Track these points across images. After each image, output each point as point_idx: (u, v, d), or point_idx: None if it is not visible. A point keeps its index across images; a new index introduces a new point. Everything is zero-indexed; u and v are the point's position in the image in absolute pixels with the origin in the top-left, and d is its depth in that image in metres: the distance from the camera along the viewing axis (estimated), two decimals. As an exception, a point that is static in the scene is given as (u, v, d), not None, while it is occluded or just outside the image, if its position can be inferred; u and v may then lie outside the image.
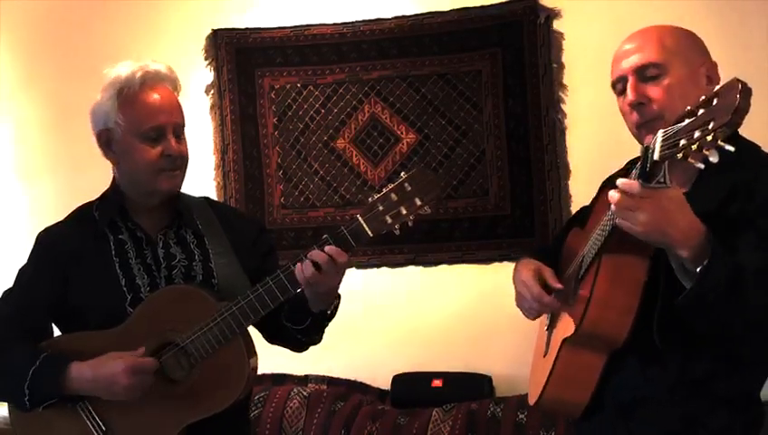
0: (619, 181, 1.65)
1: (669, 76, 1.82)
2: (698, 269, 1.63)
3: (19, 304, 2.20)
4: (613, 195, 1.65)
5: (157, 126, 2.11)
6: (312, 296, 2.08)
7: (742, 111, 1.43)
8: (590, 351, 1.85)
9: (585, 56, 3.28)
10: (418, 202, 1.98)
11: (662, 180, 1.60)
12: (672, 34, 1.87)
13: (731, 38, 3.02)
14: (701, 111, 1.50)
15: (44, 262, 2.22)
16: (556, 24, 3.33)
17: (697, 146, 1.48)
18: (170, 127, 2.13)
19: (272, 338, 2.31)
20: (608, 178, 2.09)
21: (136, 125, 2.12)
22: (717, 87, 1.50)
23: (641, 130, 1.86)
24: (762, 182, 1.76)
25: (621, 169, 2.06)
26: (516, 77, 3.38)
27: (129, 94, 2.12)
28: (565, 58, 3.33)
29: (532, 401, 2.05)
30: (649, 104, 1.83)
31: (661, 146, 1.56)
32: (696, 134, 1.48)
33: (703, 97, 1.52)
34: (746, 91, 1.44)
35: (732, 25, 3.07)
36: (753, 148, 1.87)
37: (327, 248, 2.00)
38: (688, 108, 1.54)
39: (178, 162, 2.15)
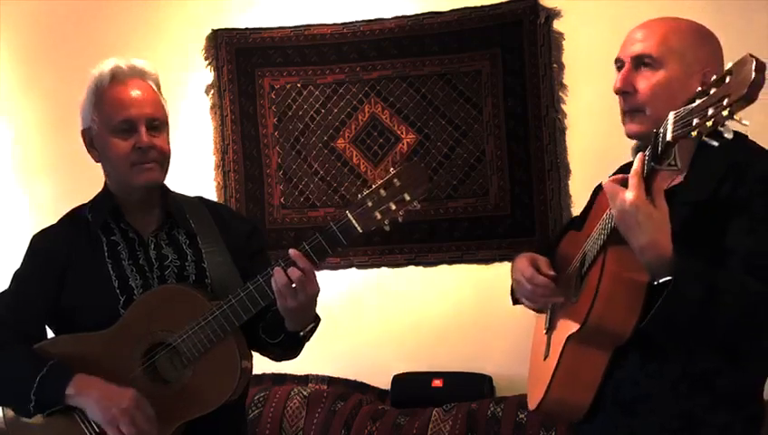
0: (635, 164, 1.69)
1: (661, 72, 1.83)
2: (655, 283, 1.68)
3: (14, 307, 2.20)
4: (605, 181, 1.71)
5: (126, 119, 2.11)
6: (284, 313, 2.05)
7: (757, 84, 1.44)
8: (595, 347, 1.85)
9: (585, 56, 3.28)
10: (407, 197, 1.98)
11: (673, 163, 1.61)
12: (681, 33, 1.87)
13: (731, 38, 2.99)
14: (713, 90, 1.51)
15: (38, 264, 2.22)
16: (556, 24, 3.33)
17: (712, 123, 1.49)
18: (141, 120, 2.11)
19: (250, 345, 2.26)
20: (600, 184, 2.10)
21: (107, 120, 2.13)
22: (729, 65, 1.50)
23: (625, 116, 1.89)
24: (753, 166, 1.78)
25: (615, 173, 2.06)
26: (516, 77, 3.38)
27: (100, 91, 2.14)
28: (565, 58, 3.33)
29: (532, 405, 2.03)
30: (634, 94, 1.86)
31: (673, 126, 1.58)
32: (710, 111, 1.49)
33: (714, 77, 1.52)
34: (760, 66, 1.45)
35: (733, 26, 3.05)
36: (741, 135, 1.87)
37: (292, 253, 1.99)
38: (699, 88, 1.55)
39: (152, 155, 2.13)
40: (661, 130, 1.61)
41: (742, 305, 1.67)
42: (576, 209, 3.27)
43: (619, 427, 1.86)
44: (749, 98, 1.44)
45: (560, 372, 1.89)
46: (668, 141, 1.59)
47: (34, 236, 2.27)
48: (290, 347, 2.19)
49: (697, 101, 1.53)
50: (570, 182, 3.34)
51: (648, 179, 1.66)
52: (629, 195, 1.65)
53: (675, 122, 1.57)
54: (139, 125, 2.11)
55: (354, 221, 1.99)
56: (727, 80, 1.49)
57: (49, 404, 2.08)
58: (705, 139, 1.52)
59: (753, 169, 1.78)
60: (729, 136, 1.49)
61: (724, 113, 1.46)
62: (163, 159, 2.16)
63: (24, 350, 2.14)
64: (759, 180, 1.76)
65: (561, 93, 3.33)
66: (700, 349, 1.78)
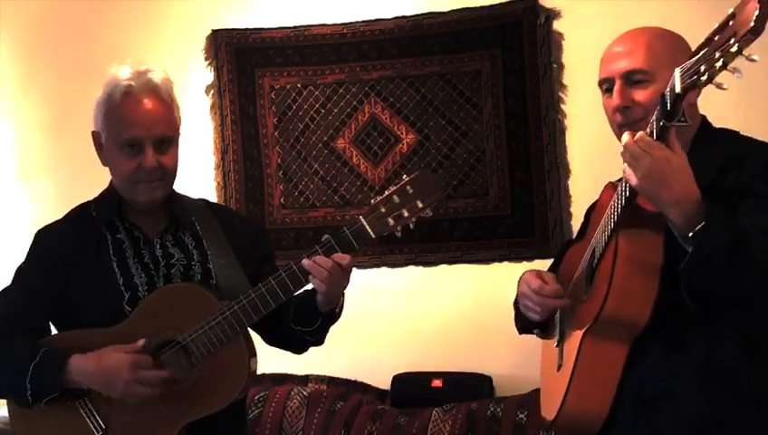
0: (638, 134, 1.70)
1: (656, 82, 1.84)
2: (690, 235, 1.67)
3: (17, 303, 2.20)
4: (626, 137, 1.70)
5: (132, 138, 2.11)
6: (322, 298, 2.09)
7: (764, 15, 1.45)
8: (613, 340, 1.84)
9: (585, 56, 3.27)
10: (420, 204, 2.01)
11: (683, 119, 1.63)
12: (661, 39, 1.89)
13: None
14: (717, 37, 1.53)
15: (42, 260, 2.22)
16: (556, 24, 3.33)
17: (722, 63, 1.51)
18: (148, 141, 2.10)
19: (272, 341, 2.31)
20: (593, 205, 2.12)
21: (115, 135, 2.13)
22: (731, 9, 1.52)
23: (622, 129, 1.87)
24: (752, 154, 1.81)
25: (603, 191, 2.07)
26: (516, 77, 3.38)
27: (112, 103, 2.13)
28: (565, 58, 3.33)
29: (550, 416, 2.01)
30: (634, 107, 1.87)
31: (681, 79, 1.59)
32: (718, 54, 1.51)
33: (716, 25, 1.54)
34: (764, 0, 1.46)
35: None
36: (734, 131, 1.92)
37: (334, 256, 2.02)
38: (702, 41, 1.57)
39: (157, 174, 2.13)
40: (668, 87, 1.63)
41: (764, 270, 1.68)
42: (576, 209, 3.28)
43: (641, 426, 1.85)
44: (757, 30, 1.46)
45: (577, 374, 1.88)
46: (678, 93, 1.61)
47: (39, 232, 2.27)
48: (325, 329, 2.21)
49: (701, 52, 1.55)
50: (570, 182, 3.34)
51: (659, 140, 1.68)
52: (656, 150, 1.66)
53: (682, 75, 1.60)
54: (146, 145, 2.11)
55: (367, 226, 2.02)
56: (731, 23, 1.51)
57: (45, 392, 2.09)
58: (716, 82, 1.53)
59: (751, 159, 1.80)
60: (738, 76, 1.50)
61: (733, 50, 1.48)
62: (168, 176, 2.17)
63: (23, 341, 2.14)
64: (759, 166, 1.78)
65: (561, 93, 3.34)
66: (721, 337, 1.78)
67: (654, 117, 1.69)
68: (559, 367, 2.04)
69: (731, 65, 1.51)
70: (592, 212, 2.11)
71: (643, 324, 1.80)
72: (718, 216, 1.67)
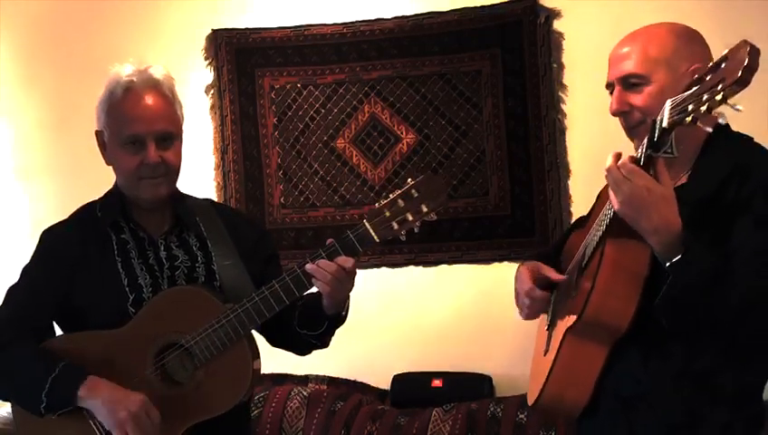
0: (625, 156, 1.71)
1: (651, 85, 1.85)
2: (668, 265, 1.68)
3: (23, 303, 2.20)
4: (609, 160, 1.71)
5: (134, 134, 2.11)
6: (328, 302, 2.09)
7: (751, 68, 1.46)
8: (593, 341, 1.86)
9: (585, 56, 3.28)
10: (425, 209, 2.01)
11: (669, 151, 1.63)
12: (660, 40, 1.88)
13: (731, 38, 3.01)
14: (709, 77, 1.54)
15: (48, 261, 2.22)
16: (556, 24, 3.33)
17: (707, 107, 1.51)
18: (150, 136, 2.11)
19: (276, 343, 2.32)
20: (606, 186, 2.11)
21: (117, 132, 2.14)
22: (725, 51, 1.53)
23: (629, 133, 1.91)
24: (758, 167, 1.80)
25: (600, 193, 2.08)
26: (516, 77, 3.38)
27: (114, 100, 2.14)
28: (565, 58, 3.33)
29: (531, 400, 2.05)
30: (631, 112, 1.88)
31: (669, 113, 1.60)
32: (705, 96, 1.52)
33: (710, 63, 1.55)
34: (755, 51, 1.47)
35: (732, 25, 3.07)
36: (748, 137, 1.91)
37: (337, 259, 2.02)
38: (696, 76, 1.59)
39: (160, 170, 2.13)
40: (658, 117, 1.64)
41: (750, 290, 1.68)
42: (576, 209, 3.28)
43: (619, 422, 1.87)
44: (743, 82, 1.47)
45: (557, 366, 1.90)
46: (664, 128, 1.62)
47: (44, 232, 2.27)
48: (330, 332, 2.22)
49: (693, 88, 1.56)
50: (570, 182, 3.34)
51: (645, 168, 1.69)
52: (637, 178, 1.66)
53: (671, 109, 1.61)
54: (147, 141, 2.11)
55: (371, 231, 2.02)
56: (723, 65, 1.51)
57: (60, 405, 2.08)
58: (700, 125, 1.55)
59: (757, 170, 1.79)
60: (723, 121, 1.52)
61: (718, 97, 1.49)
62: (172, 172, 2.17)
63: (36, 348, 2.13)
64: (763, 182, 1.77)
65: (561, 93, 3.34)
66: (701, 344, 1.79)
67: (643, 142, 1.70)
68: (545, 352, 2.07)
69: (716, 111, 1.51)
70: (599, 198, 2.11)
71: (623, 330, 1.81)
72: (695, 252, 1.67)
